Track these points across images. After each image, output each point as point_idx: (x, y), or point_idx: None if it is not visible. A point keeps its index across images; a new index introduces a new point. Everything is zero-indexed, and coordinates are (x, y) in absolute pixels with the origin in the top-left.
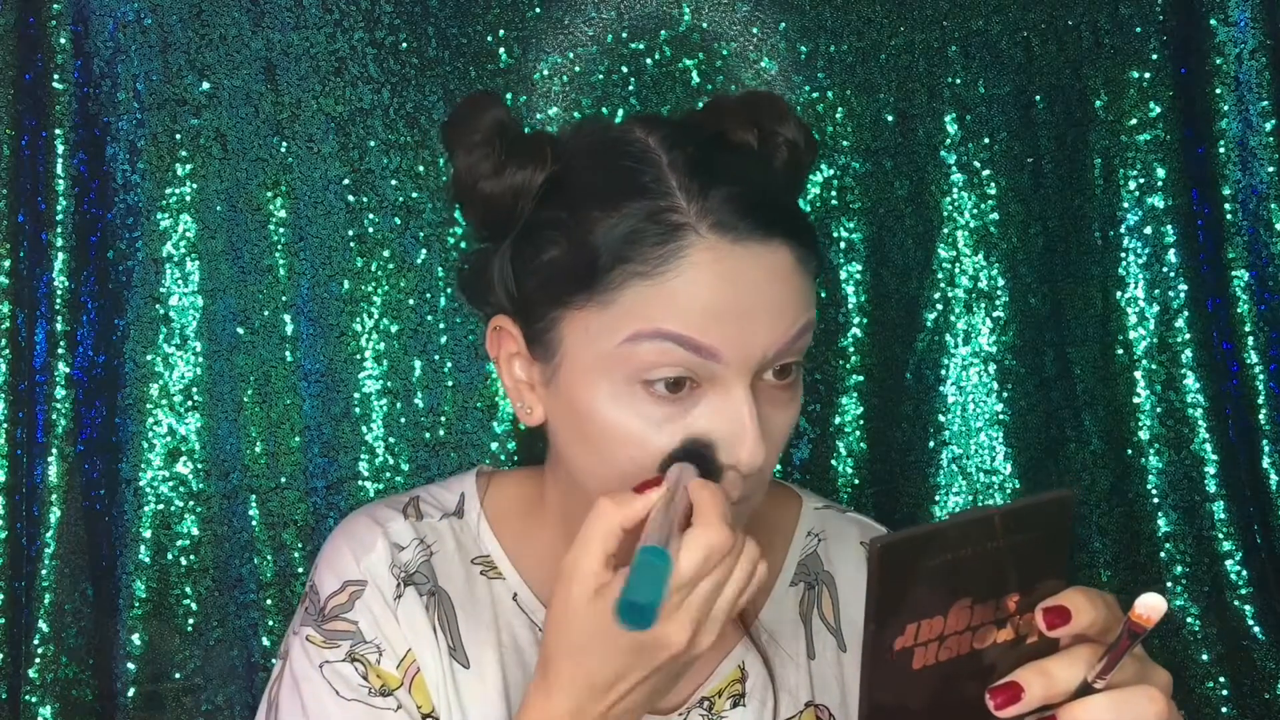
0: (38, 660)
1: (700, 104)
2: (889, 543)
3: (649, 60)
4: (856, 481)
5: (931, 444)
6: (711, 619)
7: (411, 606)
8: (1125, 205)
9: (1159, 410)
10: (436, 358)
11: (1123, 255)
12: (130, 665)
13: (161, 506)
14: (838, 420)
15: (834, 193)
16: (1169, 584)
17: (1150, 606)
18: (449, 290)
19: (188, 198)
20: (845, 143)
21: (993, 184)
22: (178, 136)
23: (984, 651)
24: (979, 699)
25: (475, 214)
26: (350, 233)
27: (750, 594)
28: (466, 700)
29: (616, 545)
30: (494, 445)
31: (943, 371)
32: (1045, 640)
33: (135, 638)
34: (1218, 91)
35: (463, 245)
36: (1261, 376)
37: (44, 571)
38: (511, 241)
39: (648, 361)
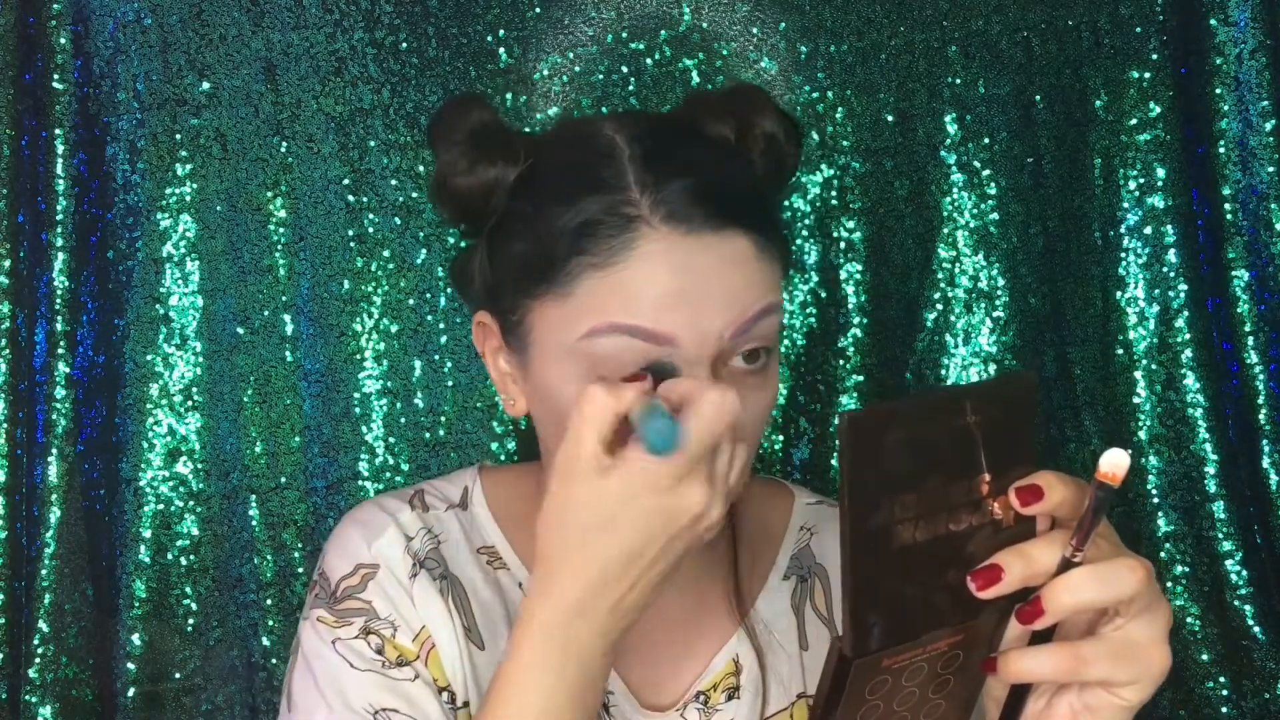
0: (38, 660)
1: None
2: (857, 415)
3: (649, 60)
4: None
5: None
6: (723, 490)
7: (426, 587)
8: (1125, 205)
9: (1159, 410)
10: (436, 358)
11: (1123, 255)
12: (130, 665)
13: (161, 506)
14: (838, 420)
15: (834, 193)
16: (1169, 584)
17: (1115, 463)
18: (449, 290)
19: (188, 198)
20: (845, 143)
21: (993, 184)
22: (178, 136)
23: (960, 536)
24: (960, 587)
25: (448, 210)
26: (350, 233)
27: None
28: (484, 680)
29: (611, 433)
30: (494, 445)
31: (943, 371)
32: (1022, 527)
33: (135, 638)
34: (1218, 91)
35: (462, 245)
36: (1261, 376)
37: (44, 571)
38: (486, 236)
39: (608, 354)
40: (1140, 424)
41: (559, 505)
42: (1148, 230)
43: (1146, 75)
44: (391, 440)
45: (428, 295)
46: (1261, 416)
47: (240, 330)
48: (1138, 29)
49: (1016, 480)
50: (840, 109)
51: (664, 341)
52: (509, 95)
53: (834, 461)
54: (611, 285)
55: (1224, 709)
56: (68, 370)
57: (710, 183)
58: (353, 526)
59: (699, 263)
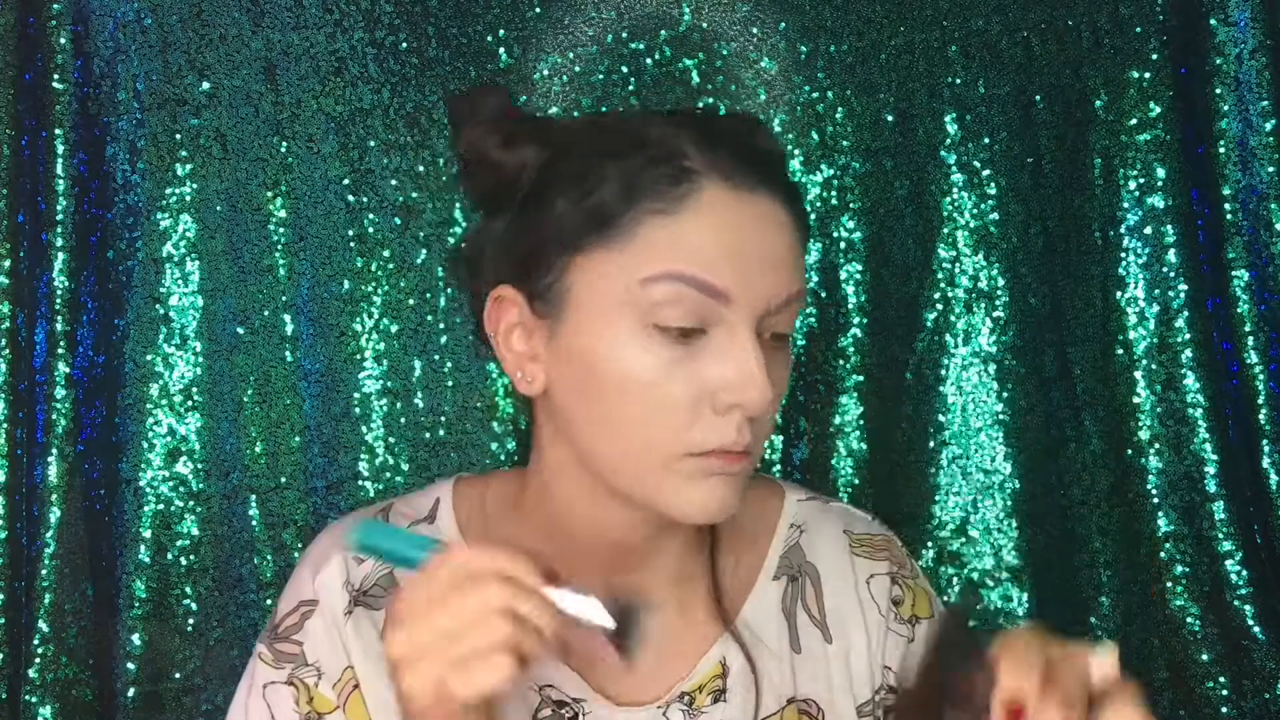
0: (38, 660)
1: (700, 104)
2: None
3: (649, 60)
4: (856, 481)
5: (931, 444)
6: (452, 655)
7: (362, 624)
8: (1125, 205)
9: (1159, 410)
10: (436, 358)
11: (1123, 255)
12: (130, 665)
13: (161, 506)
14: (838, 420)
15: (834, 193)
16: (1169, 584)
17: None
18: (449, 290)
19: (188, 198)
20: (845, 143)
21: (993, 184)
22: (178, 136)
23: None
24: None
25: (484, 183)
26: (350, 233)
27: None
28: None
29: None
30: (494, 445)
31: (943, 371)
32: None
33: (135, 638)
34: (1218, 91)
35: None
36: (1261, 376)
37: (44, 571)
38: (516, 208)
39: (660, 303)
40: (1140, 424)
41: None
42: (1148, 230)
43: (1146, 75)
44: (391, 440)
45: (428, 295)
46: (1261, 416)
47: (240, 330)
48: (1138, 29)
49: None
50: (840, 109)
51: (719, 295)
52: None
53: (834, 462)
54: (674, 233)
55: (1224, 709)
56: (68, 370)
57: (755, 150)
58: (307, 555)
59: (752, 223)
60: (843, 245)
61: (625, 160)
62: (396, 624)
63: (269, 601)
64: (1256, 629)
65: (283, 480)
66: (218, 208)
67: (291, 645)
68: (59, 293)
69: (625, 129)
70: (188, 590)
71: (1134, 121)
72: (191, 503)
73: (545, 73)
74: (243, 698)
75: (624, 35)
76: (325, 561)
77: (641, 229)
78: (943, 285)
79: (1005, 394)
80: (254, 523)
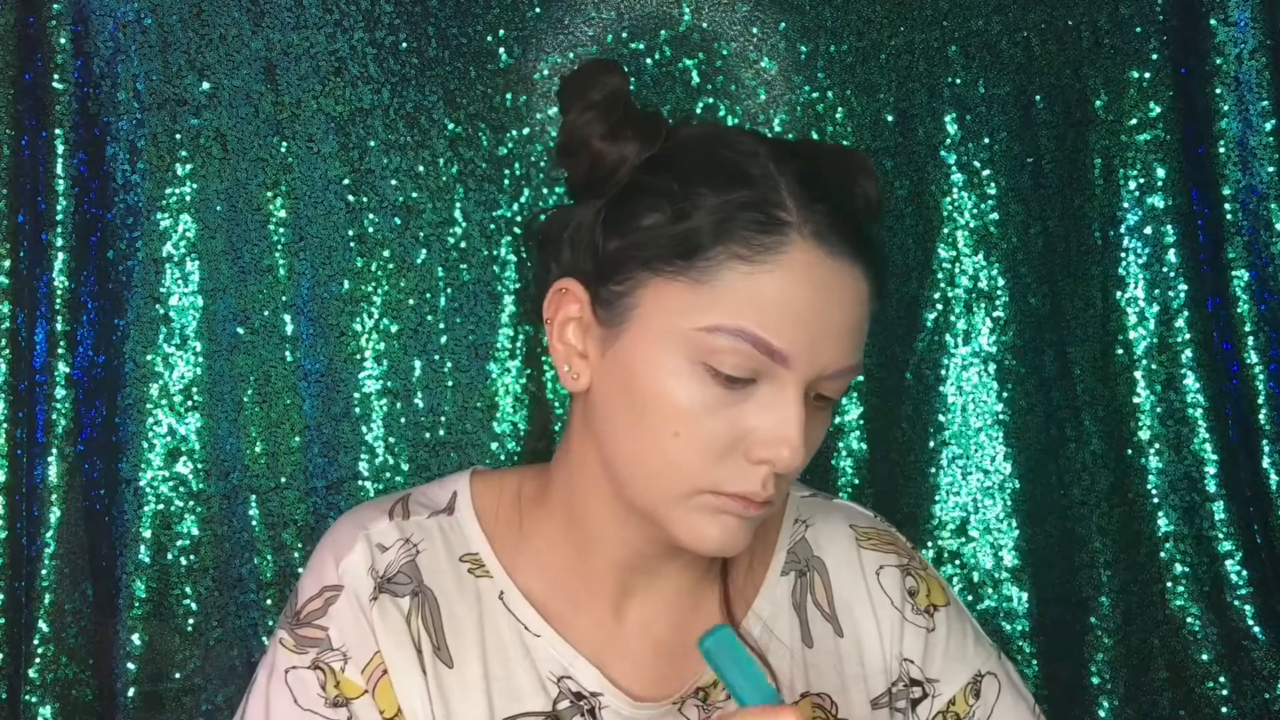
0: (38, 660)
1: (699, 105)
2: None
3: (649, 60)
4: (856, 481)
5: (931, 444)
6: None
7: (388, 610)
8: (1125, 205)
9: (1159, 410)
10: (436, 358)
11: (1123, 255)
12: (130, 665)
13: (161, 506)
14: (838, 420)
15: None
16: (1169, 584)
17: None
18: (449, 290)
19: (188, 198)
20: (845, 143)
21: (993, 184)
22: (178, 136)
23: None
24: None
25: (579, 169)
26: (350, 233)
27: None
28: (451, 700)
29: None
30: (494, 445)
31: (943, 371)
32: None
33: (135, 638)
34: (1218, 91)
35: (463, 245)
36: (1261, 376)
37: (44, 571)
38: (607, 203)
39: (719, 351)
40: (1140, 424)
41: None
42: (1148, 230)
43: (1146, 75)
44: (391, 440)
45: (428, 295)
46: (1261, 416)
47: (240, 330)
48: (1138, 29)
49: None
50: (840, 109)
51: (779, 358)
52: (509, 95)
53: (834, 462)
54: (753, 287)
55: (1224, 709)
56: (68, 370)
57: (852, 214)
58: (327, 544)
59: (833, 288)
60: None
61: (723, 194)
62: None
63: (269, 601)
64: (1256, 629)
65: (283, 480)
66: (218, 208)
67: (315, 630)
68: (59, 293)
69: (730, 157)
70: (188, 590)
71: (1134, 121)
72: (191, 503)
73: (545, 73)
74: (262, 684)
75: (624, 35)
76: (348, 548)
77: (722, 271)
78: (943, 285)
79: (1005, 394)
80: (254, 523)
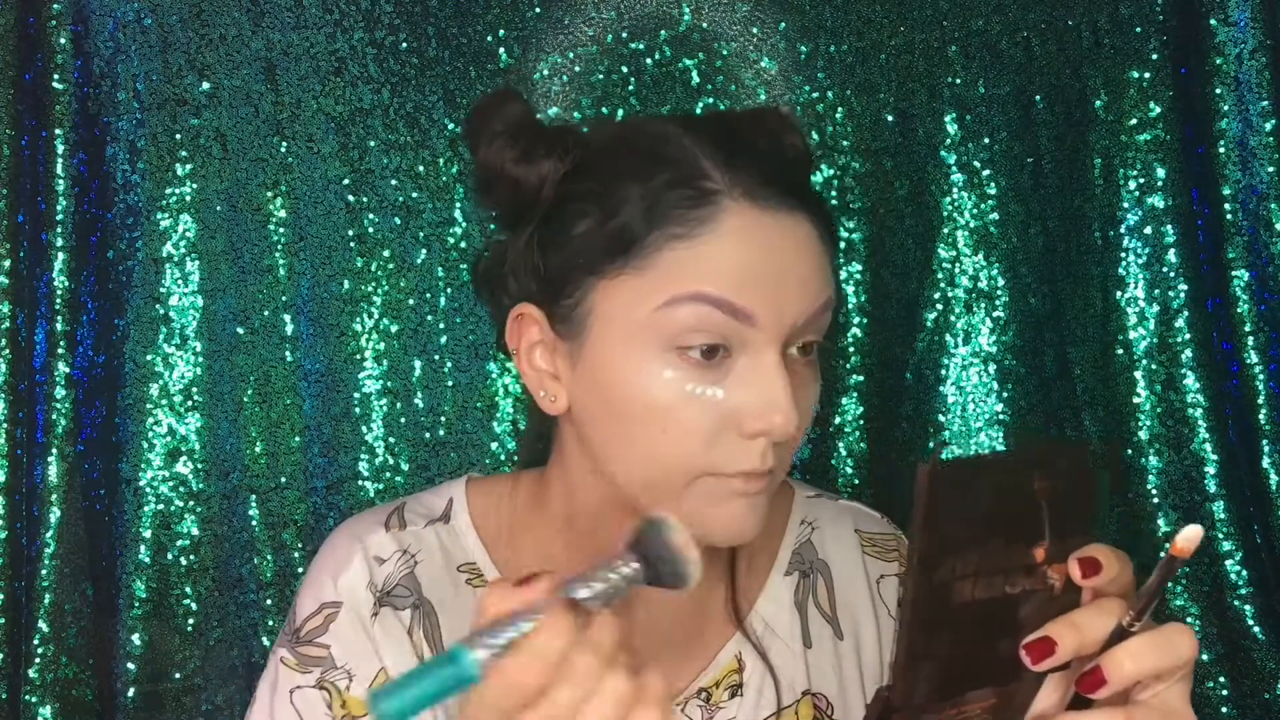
0: (38, 660)
1: (699, 105)
2: (940, 467)
3: (649, 60)
4: (856, 481)
5: (931, 444)
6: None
7: (389, 624)
8: (1125, 205)
9: (1159, 410)
10: (436, 358)
11: (1123, 255)
12: (130, 665)
13: (161, 506)
14: (838, 420)
15: (834, 193)
16: (1169, 584)
17: (1188, 538)
18: (449, 290)
19: (188, 198)
20: (845, 143)
21: (993, 184)
22: (178, 136)
23: (1014, 599)
24: (1007, 650)
25: (501, 200)
26: (350, 233)
27: None
28: (453, 711)
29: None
30: (494, 445)
31: (943, 371)
32: (1068, 597)
33: (135, 638)
34: (1218, 91)
35: (463, 245)
36: (1261, 376)
37: (44, 571)
38: (536, 224)
39: (684, 326)
40: (1140, 424)
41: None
42: (1148, 230)
43: (1146, 75)
44: (391, 440)
45: (428, 295)
46: (1261, 416)
47: (240, 330)
48: (1138, 29)
49: (1072, 550)
50: (840, 109)
51: (743, 317)
52: None
53: (834, 462)
54: (695, 256)
55: (1224, 709)
56: (68, 370)
57: (780, 164)
58: (324, 559)
59: (778, 242)
60: (843, 245)
61: (646, 182)
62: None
63: (269, 602)
64: (1256, 629)
65: (283, 480)
66: (218, 208)
67: (317, 649)
68: (59, 293)
69: (646, 145)
70: (188, 590)
71: (1134, 121)
72: (191, 503)
73: (545, 73)
74: (265, 703)
75: (624, 35)
76: (346, 564)
77: (663, 253)
78: (943, 285)
79: (1005, 394)
80: (254, 523)
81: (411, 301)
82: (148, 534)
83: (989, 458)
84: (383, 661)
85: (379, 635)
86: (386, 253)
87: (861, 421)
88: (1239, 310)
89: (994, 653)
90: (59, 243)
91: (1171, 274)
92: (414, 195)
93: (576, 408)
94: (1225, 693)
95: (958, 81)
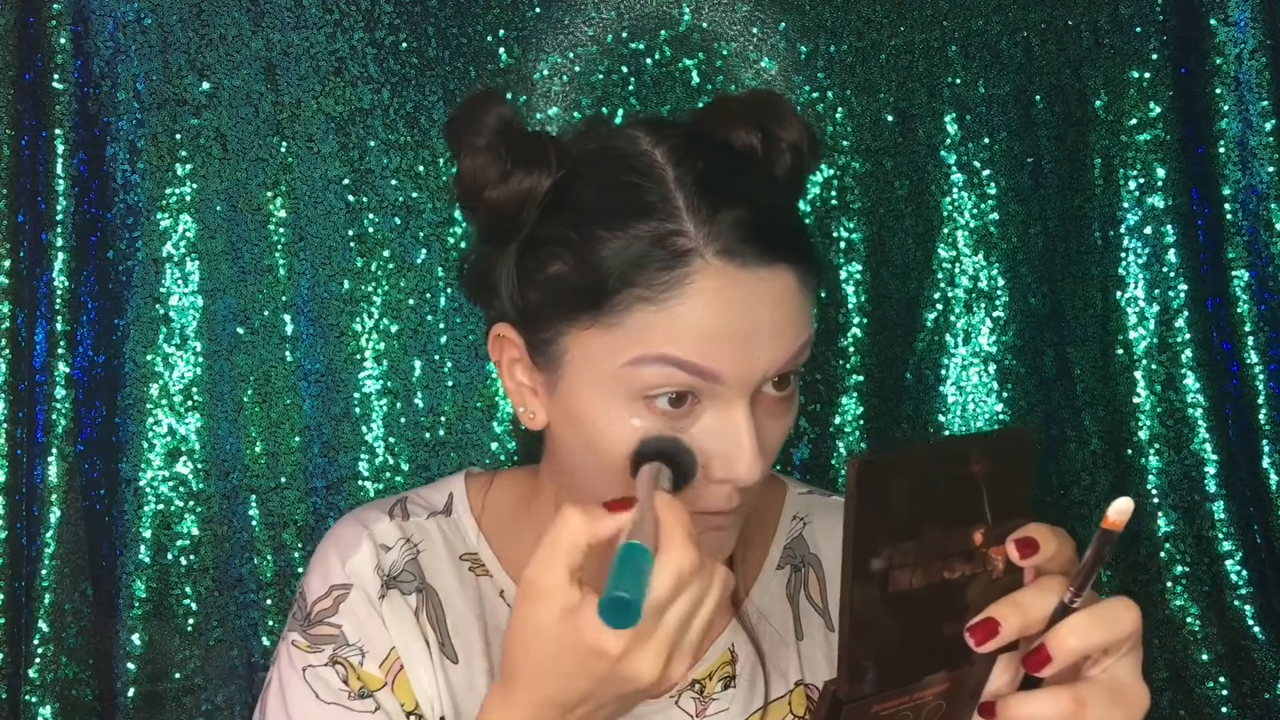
0: (38, 660)
1: (699, 105)
2: (866, 462)
3: (649, 60)
4: None
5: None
6: (684, 648)
7: (397, 606)
8: (1125, 205)
9: (1159, 410)
10: (436, 358)
11: (1123, 255)
12: (130, 665)
13: (161, 506)
14: (838, 420)
15: (834, 193)
16: (1169, 584)
17: (1120, 510)
18: (449, 290)
19: (188, 198)
20: (845, 143)
21: (993, 184)
22: (178, 136)
23: (955, 584)
24: (952, 635)
25: (480, 219)
26: (350, 233)
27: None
28: (457, 695)
29: (582, 561)
30: (494, 445)
31: (943, 371)
32: (1010, 577)
33: (135, 638)
34: (1218, 91)
35: (463, 245)
36: (1261, 376)
37: (44, 571)
38: (516, 249)
39: (650, 383)
40: (1140, 424)
41: (521, 623)
42: (1148, 230)
43: (1146, 75)
44: (391, 440)
45: (428, 295)
46: (1261, 416)
47: (240, 330)
48: (1138, 29)
49: (1010, 532)
50: (840, 109)
51: (709, 377)
52: (509, 95)
53: (834, 462)
54: (664, 320)
55: (1224, 709)
56: (68, 370)
57: (761, 215)
58: (330, 545)
59: (750, 299)
60: (843, 245)
61: (621, 234)
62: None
63: (269, 602)
64: (1256, 629)
65: (283, 480)
66: (218, 208)
67: (328, 628)
68: (59, 293)
69: (625, 180)
70: (188, 590)
71: (1134, 121)
72: (191, 503)
73: (545, 73)
74: (276, 686)
75: (624, 35)
76: (354, 548)
77: (632, 314)
78: (943, 285)
79: (1005, 394)
80: (254, 523)
81: (411, 301)
82: (148, 534)
83: (915, 450)
84: (393, 640)
85: (388, 615)
86: (386, 253)
87: (861, 421)
88: (1239, 310)
89: (941, 638)
90: (59, 243)
91: (1171, 274)
92: (414, 195)
93: (554, 430)
94: (1225, 693)
95: (958, 81)
